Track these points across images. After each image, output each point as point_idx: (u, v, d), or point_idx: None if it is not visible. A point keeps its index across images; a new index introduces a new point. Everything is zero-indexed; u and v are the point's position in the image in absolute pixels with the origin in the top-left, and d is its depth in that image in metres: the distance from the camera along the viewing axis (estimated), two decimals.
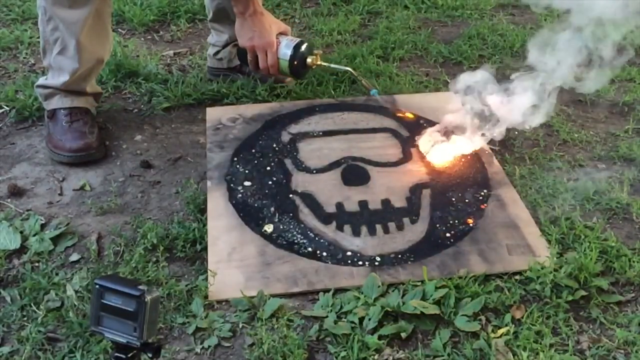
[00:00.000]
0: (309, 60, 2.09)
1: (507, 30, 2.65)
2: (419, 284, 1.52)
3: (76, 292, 1.51)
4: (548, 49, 1.83)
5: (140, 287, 1.06)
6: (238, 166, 1.88)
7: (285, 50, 2.05)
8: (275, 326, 1.45)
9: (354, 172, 1.85)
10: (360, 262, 1.59)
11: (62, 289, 1.52)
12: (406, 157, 1.91)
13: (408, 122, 2.04)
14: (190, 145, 2.04)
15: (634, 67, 2.39)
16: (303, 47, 2.07)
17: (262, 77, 2.22)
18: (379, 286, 1.51)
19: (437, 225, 1.69)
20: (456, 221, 1.70)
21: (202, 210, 1.74)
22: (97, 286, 1.07)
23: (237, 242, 1.63)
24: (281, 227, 1.68)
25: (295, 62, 2.06)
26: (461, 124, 1.91)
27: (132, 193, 1.85)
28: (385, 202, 1.75)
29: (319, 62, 2.11)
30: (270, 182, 1.82)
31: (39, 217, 1.73)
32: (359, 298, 1.49)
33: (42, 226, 1.71)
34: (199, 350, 1.41)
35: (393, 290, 1.52)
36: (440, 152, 1.89)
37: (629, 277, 1.56)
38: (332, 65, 2.21)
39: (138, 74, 2.34)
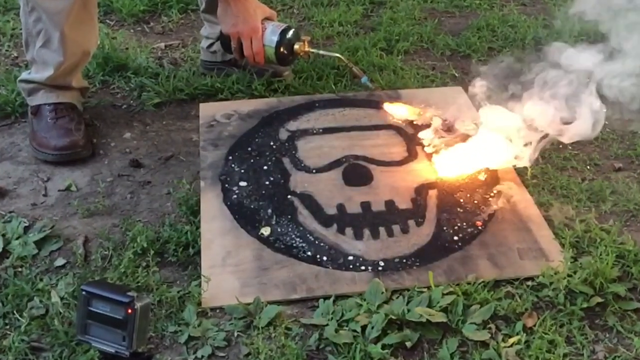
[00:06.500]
0: (296, 46, 2.08)
1: (518, 21, 2.65)
2: (425, 290, 1.52)
3: (62, 298, 1.51)
4: None
5: (130, 293, 1.06)
6: (233, 165, 1.88)
7: (272, 37, 2.05)
8: (273, 335, 1.45)
9: (356, 172, 1.85)
10: (363, 267, 1.59)
11: (46, 295, 1.52)
12: (411, 156, 1.91)
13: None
14: (183, 143, 2.04)
15: None
16: (290, 33, 2.06)
17: (259, 70, 2.22)
18: (382, 292, 1.51)
19: (444, 228, 1.69)
20: (464, 223, 1.70)
21: (195, 212, 1.74)
22: (83, 292, 1.07)
23: (232, 246, 1.64)
24: (279, 229, 1.68)
25: (282, 49, 2.05)
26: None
27: (121, 194, 1.85)
28: (389, 204, 1.75)
29: (306, 49, 2.10)
30: (267, 183, 1.82)
31: (22, 219, 1.73)
32: (361, 305, 1.49)
33: (26, 229, 1.71)
34: None
35: (397, 297, 1.52)
36: (452, 159, 1.87)
37: None
38: (321, 52, 2.20)
39: (127, 67, 2.34)
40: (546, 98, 1.78)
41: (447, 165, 1.86)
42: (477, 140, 1.86)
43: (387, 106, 2.08)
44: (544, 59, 1.82)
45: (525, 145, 1.79)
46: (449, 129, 1.94)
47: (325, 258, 1.61)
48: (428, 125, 1.98)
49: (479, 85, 1.94)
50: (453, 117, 1.96)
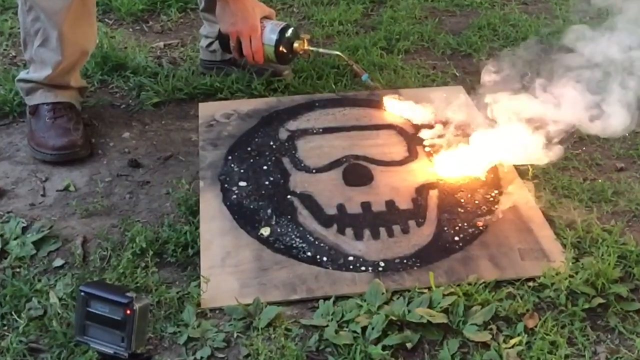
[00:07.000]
0: (295, 45, 2.08)
1: (519, 21, 2.65)
2: (426, 291, 1.52)
3: (60, 299, 1.51)
4: None
5: (129, 294, 1.06)
6: (232, 165, 1.88)
7: (271, 35, 2.05)
8: (272, 336, 1.45)
9: (356, 172, 1.85)
10: (363, 268, 1.59)
11: (45, 296, 1.52)
12: (412, 156, 1.91)
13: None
14: (182, 143, 2.04)
15: None
16: (289, 32, 2.06)
17: (258, 70, 2.22)
18: (382, 293, 1.51)
19: (445, 229, 1.69)
20: (465, 224, 1.70)
21: (194, 212, 1.74)
22: (82, 293, 1.08)
23: (232, 246, 1.64)
24: (279, 230, 1.68)
25: (281, 48, 2.05)
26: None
27: (120, 194, 1.85)
28: (390, 204, 1.75)
29: (306, 47, 2.10)
30: (267, 183, 1.82)
31: (20, 219, 1.73)
32: (361, 306, 1.49)
33: (24, 229, 1.71)
34: None
35: (398, 298, 1.52)
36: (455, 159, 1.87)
37: None
38: (321, 50, 2.21)
39: (126, 67, 2.34)
40: (569, 89, 1.78)
41: (448, 164, 1.86)
42: (497, 135, 1.86)
43: (392, 103, 2.08)
44: (560, 49, 1.81)
45: (550, 141, 1.79)
46: (463, 130, 1.94)
47: (325, 258, 1.61)
48: (430, 125, 1.99)
49: (492, 77, 1.94)
50: (466, 119, 1.96)
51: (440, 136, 1.94)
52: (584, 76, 1.80)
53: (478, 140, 1.87)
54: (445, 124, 1.98)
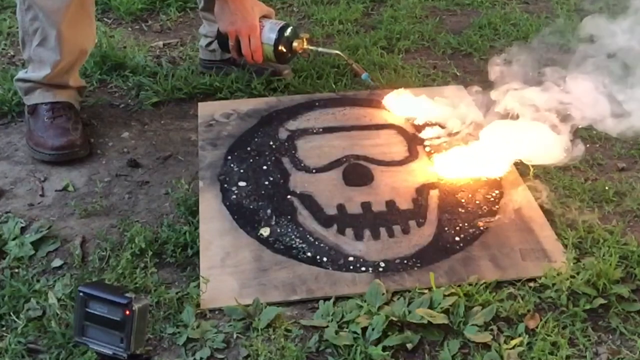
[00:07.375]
0: (295, 44, 2.08)
1: (520, 20, 2.66)
2: (426, 291, 1.52)
3: (59, 300, 1.51)
4: None
5: (128, 294, 1.06)
6: (232, 165, 1.88)
7: (270, 35, 2.05)
8: (272, 337, 1.45)
9: (357, 172, 1.85)
10: (363, 268, 1.59)
11: (43, 296, 1.52)
12: (412, 156, 1.91)
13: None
14: (181, 142, 2.04)
15: None
16: (288, 31, 2.07)
17: (258, 69, 2.22)
18: (383, 294, 1.51)
19: (446, 229, 1.69)
20: (466, 224, 1.70)
21: (194, 212, 1.74)
22: (81, 294, 1.08)
23: (231, 247, 1.64)
24: (278, 230, 1.68)
25: (281, 47, 2.06)
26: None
27: (119, 194, 1.85)
28: (390, 204, 1.75)
29: (305, 46, 2.11)
30: (266, 183, 1.82)
31: (18, 219, 1.73)
32: (361, 306, 1.49)
33: (22, 229, 1.71)
34: None
35: (398, 298, 1.52)
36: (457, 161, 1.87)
37: None
38: (320, 49, 2.21)
39: (125, 66, 2.34)
40: (573, 87, 1.78)
41: (449, 164, 1.86)
42: (497, 134, 1.85)
43: (393, 102, 2.08)
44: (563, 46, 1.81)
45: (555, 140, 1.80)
46: (463, 129, 1.94)
47: (325, 259, 1.61)
48: (431, 125, 1.99)
49: (494, 77, 1.94)
50: (467, 119, 1.96)
51: (440, 136, 1.95)
52: (591, 73, 1.81)
53: (479, 140, 1.88)
54: (445, 123, 1.98)
